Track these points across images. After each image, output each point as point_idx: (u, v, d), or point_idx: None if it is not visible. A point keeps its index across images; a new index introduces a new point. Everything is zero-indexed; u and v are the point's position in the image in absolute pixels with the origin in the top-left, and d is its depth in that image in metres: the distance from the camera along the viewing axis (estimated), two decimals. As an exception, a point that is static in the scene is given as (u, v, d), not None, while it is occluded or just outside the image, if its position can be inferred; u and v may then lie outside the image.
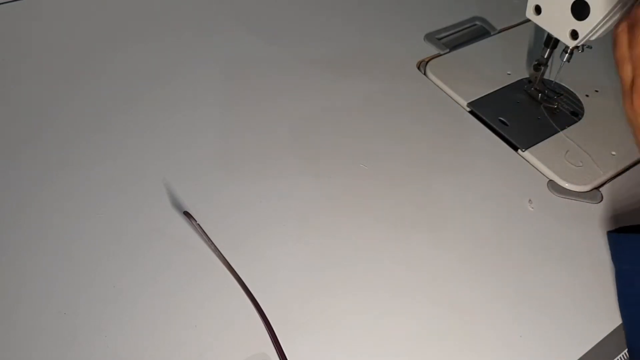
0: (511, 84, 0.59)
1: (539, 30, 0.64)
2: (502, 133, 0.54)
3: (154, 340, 0.38)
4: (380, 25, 0.67)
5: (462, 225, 0.47)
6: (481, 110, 0.56)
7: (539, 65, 0.55)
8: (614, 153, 0.53)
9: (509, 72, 0.61)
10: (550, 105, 0.57)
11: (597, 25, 0.44)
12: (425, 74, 0.61)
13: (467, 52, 0.63)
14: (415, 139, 0.53)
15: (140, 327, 0.39)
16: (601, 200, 0.50)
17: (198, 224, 0.43)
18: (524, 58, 0.63)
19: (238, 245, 0.44)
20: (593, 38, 0.46)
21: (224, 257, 0.42)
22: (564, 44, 0.49)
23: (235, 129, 0.53)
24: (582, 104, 0.57)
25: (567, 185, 0.50)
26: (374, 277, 0.43)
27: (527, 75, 0.60)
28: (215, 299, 0.40)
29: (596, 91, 0.59)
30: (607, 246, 0.45)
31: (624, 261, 0.43)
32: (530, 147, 0.53)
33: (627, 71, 0.38)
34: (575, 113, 0.57)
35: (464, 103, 0.57)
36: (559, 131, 0.54)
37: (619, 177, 0.52)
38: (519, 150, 0.53)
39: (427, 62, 0.62)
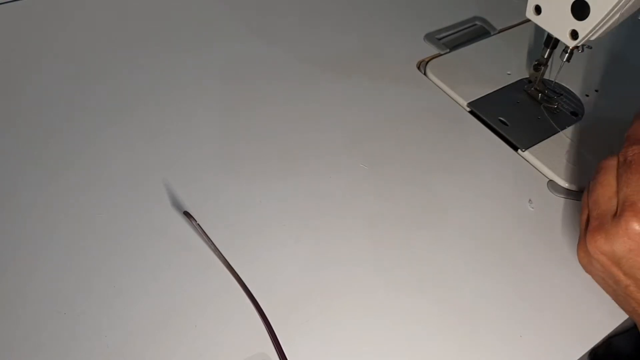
0: (511, 84, 0.59)
1: (539, 30, 0.64)
2: (502, 133, 0.54)
3: (154, 340, 0.38)
4: (380, 25, 0.67)
5: (462, 225, 0.47)
6: (481, 110, 0.56)
7: (539, 65, 0.55)
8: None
9: (509, 72, 0.61)
10: (550, 105, 0.57)
11: (597, 25, 0.44)
12: (425, 74, 0.61)
13: (467, 52, 0.63)
14: (415, 139, 0.53)
15: (140, 327, 0.39)
16: (601, 200, 0.49)
17: (198, 224, 0.43)
18: (524, 58, 0.63)
19: (238, 245, 0.44)
20: (593, 38, 0.46)
21: (224, 257, 0.42)
22: (564, 44, 0.49)
23: (235, 129, 0.53)
24: (582, 104, 0.58)
25: (567, 185, 0.50)
26: (374, 277, 0.43)
27: (527, 75, 0.60)
28: (215, 299, 0.40)
29: (596, 91, 0.59)
30: None
31: None
32: (530, 147, 0.53)
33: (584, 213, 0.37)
34: (575, 113, 0.57)
35: (464, 103, 0.57)
36: (559, 131, 0.54)
37: (619, 177, 0.52)
38: (519, 150, 0.53)
39: (427, 62, 0.62)
